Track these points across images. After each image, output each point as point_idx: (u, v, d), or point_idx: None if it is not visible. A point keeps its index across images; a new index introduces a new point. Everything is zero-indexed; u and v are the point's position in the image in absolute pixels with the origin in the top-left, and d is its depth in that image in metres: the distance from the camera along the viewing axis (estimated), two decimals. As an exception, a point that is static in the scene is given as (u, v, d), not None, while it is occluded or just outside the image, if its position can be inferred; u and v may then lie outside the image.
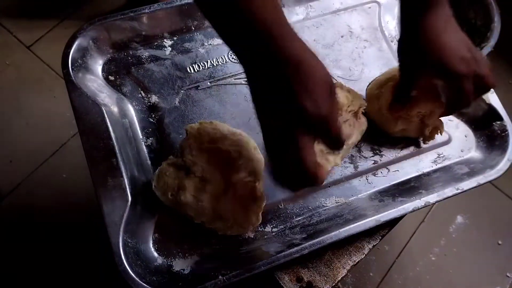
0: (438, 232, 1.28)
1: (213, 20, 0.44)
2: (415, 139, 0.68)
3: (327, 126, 0.42)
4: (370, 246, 0.63)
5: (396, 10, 0.77)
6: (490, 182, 0.65)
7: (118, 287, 0.57)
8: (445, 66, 0.52)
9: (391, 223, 0.64)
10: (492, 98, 0.69)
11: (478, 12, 1.25)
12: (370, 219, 0.59)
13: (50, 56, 1.39)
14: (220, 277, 0.54)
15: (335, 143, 0.45)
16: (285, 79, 0.41)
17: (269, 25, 0.40)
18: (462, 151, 0.69)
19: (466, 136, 0.70)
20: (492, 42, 1.03)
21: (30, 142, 1.27)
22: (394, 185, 0.65)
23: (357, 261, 0.61)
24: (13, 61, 1.37)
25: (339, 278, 0.60)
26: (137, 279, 0.53)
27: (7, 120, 1.30)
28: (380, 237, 0.63)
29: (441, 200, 0.62)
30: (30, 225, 1.18)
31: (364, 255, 0.62)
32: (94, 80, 0.64)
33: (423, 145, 0.68)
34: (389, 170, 0.66)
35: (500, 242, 1.27)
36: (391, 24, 0.76)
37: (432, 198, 0.61)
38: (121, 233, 0.55)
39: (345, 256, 0.61)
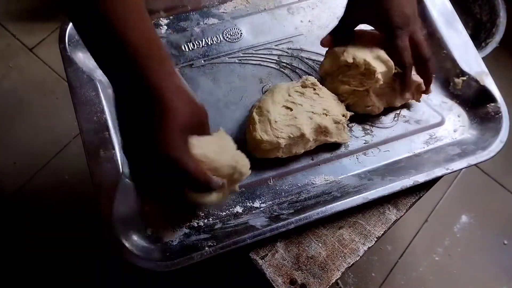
0: (442, 232, 1.26)
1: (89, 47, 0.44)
2: (408, 119, 0.68)
3: (178, 167, 0.44)
4: (365, 248, 0.62)
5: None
6: (480, 163, 0.64)
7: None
8: (384, 16, 0.59)
9: (387, 223, 0.64)
10: (487, 80, 0.68)
11: (483, 7, 1.23)
12: (357, 196, 0.59)
13: (52, 58, 1.39)
14: (206, 248, 0.55)
15: (195, 186, 0.48)
16: (145, 119, 0.42)
17: (141, 59, 0.41)
18: (455, 131, 0.69)
19: (459, 116, 0.70)
20: (497, 37, 1.02)
21: (33, 144, 1.29)
22: (384, 165, 0.66)
23: (351, 263, 0.61)
24: (16, 64, 1.38)
25: (333, 280, 0.60)
26: (127, 246, 0.54)
27: (10, 122, 1.31)
28: (375, 239, 0.62)
29: (430, 180, 0.62)
30: (33, 226, 1.20)
31: (359, 257, 0.61)
32: (91, 57, 0.66)
33: (415, 126, 0.68)
34: (380, 150, 0.67)
35: (505, 242, 1.24)
36: (388, 6, 0.76)
37: (421, 177, 0.61)
38: (111, 203, 0.56)
39: (340, 258, 0.61)
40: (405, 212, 0.65)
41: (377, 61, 0.62)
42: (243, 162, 0.54)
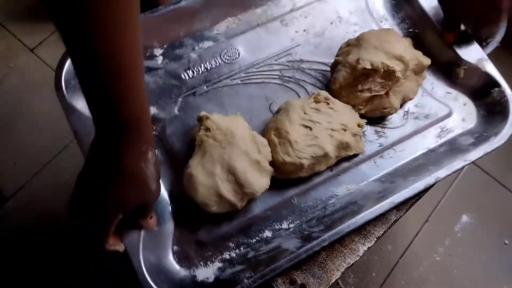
0: (443, 231, 1.26)
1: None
2: (417, 115, 0.69)
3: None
4: (365, 248, 0.62)
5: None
6: (495, 149, 0.64)
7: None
8: None
9: (387, 223, 0.64)
10: (488, 66, 0.69)
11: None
12: (384, 202, 0.59)
13: (53, 58, 1.40)
14: (245, 280, 0.54)
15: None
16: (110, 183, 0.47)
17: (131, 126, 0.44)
18: (463, 120, 0.69)
19: (465, 104, 0.70)
20: (498, 37, 1.03)
21: (33, 144, 1.29)
22: (402, 165, 0.66)
23: (351, 263, 0.61)
24: (16, 64, 1.40)
25: (333, 280, 0.60)
26: (164, 294, 0.53)
27: (11, 122, 1.32)
28: (375, 239, 0.63)
29: (451, 174, 0.62)
30: (33, 226, 1.20)
31: (358, 257, 0.61)
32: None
33: (425, 121, 0.68)
34: (395, 150, 0.67)
35: (506, 242, 1.25)
36: (379, 4, 0.76)
37: (441, 173, 0.61)
38: (141, 251, 0.54)
39: (339, 258, 0.61)
40: (405, 212, 0.65)
41: (392, 60, 0.62)
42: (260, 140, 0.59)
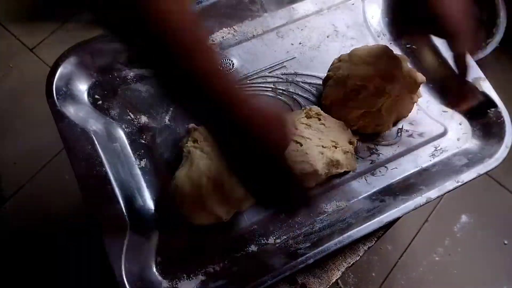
0: (442, 231, 1.25)
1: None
2: (411, 132, 0.68)
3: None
4: (365, 248, 0.62)
5: (380, 2, 0.76)
6: (489, 171, 0.64)
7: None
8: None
9: (387, 224, 0.63)
10: (485, 85, 0.68)
11: (484, 7, 1.24)
12: (373, 221, 0.58)
13: (52, 58, 1.36)
14: (227, 296, 0.53)
15: None
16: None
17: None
18: (458, 140, 0.68)
19: (461, 124, 0.69)
20: (497, 37, 1.02)
21: (33, 144, 1.29)
22: (393, 183, 0.65)
23: (351, 263, 0.61)
24: (16, 64, 1.39)
25: (333, 280, 0.60)
26: (144, 306, 0.52)
27: (11, 122, 1.32)
28: (375, 239, 0.62)
29: (442, 195, 0.61)
30: (33, 227, 1.19)
31: (359, 257, 0.61)
32: (82, 107, 0.64)
33: (419, 140, 0.67)
34: (387, 168, 0.66)
35: (506, 242, 1.24)
36: (376, 19, 0.75)
37: (433, 193, 0.60)
38: (123, 261, 0.54)
39: (340, 258, 0.61)
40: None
41: (383, 77, 0.61)
42: None
